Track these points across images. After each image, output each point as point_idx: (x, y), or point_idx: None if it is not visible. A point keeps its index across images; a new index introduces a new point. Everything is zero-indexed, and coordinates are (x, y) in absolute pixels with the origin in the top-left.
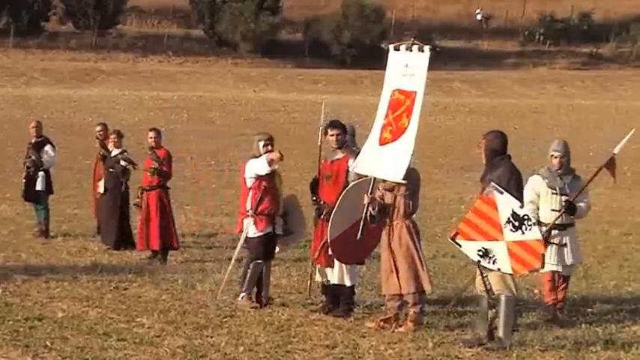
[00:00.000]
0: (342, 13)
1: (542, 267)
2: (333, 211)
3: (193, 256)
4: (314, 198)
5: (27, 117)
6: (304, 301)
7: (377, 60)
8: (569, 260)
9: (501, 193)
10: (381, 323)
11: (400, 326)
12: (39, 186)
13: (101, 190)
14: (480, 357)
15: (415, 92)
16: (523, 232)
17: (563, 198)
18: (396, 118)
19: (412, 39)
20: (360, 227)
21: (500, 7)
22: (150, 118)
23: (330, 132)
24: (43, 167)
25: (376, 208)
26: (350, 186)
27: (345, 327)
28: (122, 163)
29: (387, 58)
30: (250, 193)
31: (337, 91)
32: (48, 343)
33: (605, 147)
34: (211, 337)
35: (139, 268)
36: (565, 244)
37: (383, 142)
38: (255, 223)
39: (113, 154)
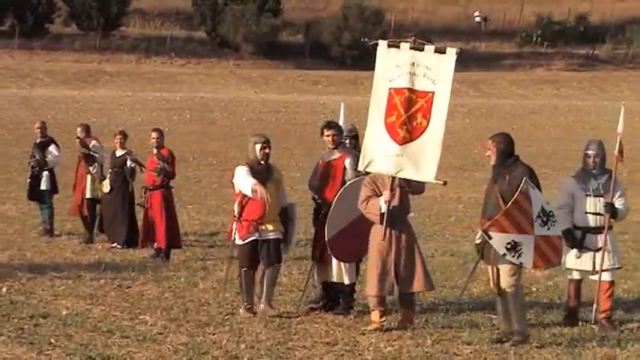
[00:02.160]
0: (342, 15)
1: (559, 264)
2: (330, 211)
3: (195, 255)
4: (313, 197)
5: (31, 118)
6: (305, 298)
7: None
8: (604, 264)
9: (533, 188)
10: (384, 323)
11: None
12: (43, 185)
13: (106, 189)
14: (478, 354)
15: (432, 92)
16: (549, 228)
17: (600, 200)
18: (411, 117)
19: (413, 37)
20: (388, 220)
21: (498, 9)
22: (153, 119)
23: (326, 132)
24: (48, 167)
25: (391, 207)
26: (347, 185)
27: (345, 324)
28: (130, 164)
29: (375, 53)
30: (238, 198)
31: (337, 92)
32: (52, 340)
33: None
34: (213, 335)
35: (142, 266)
36: (600, 249)
37: (402, 141)
38: (238, 229)
39: (119, 154)
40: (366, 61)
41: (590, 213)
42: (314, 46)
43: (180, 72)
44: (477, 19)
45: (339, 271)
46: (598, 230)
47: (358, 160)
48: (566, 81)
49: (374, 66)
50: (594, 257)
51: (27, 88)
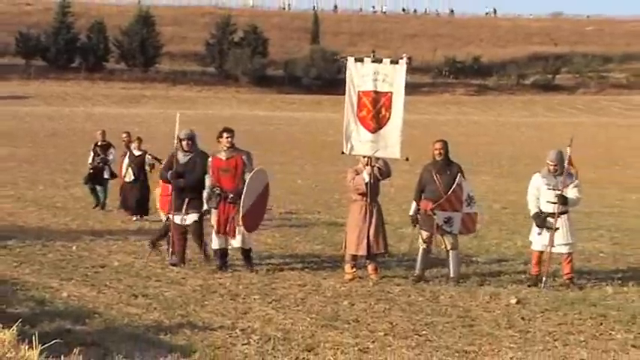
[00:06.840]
0: (310, 56)
1: (475, 231)
2: (243, 195)
3: (208, 225)
4: (214, 187)
5: (93, 128)
6: (283, 254)
7: (334, 89)
8: (561, 240)
9: (464, 180)
10: (356, 273)
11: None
12: (105, 175)
13: (129, 178)
14: (405, 291)
15: (391, 92)
16: (471, 207)
17: (557, 192)
18: (377, 111)
19: (373, 53)
20: (369, 194)
21: (418, 53)
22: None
23: (225, 135)
24: (108, 162)
25: (372, 180)
26: (251, 175)
27: (312, 272)
28: (149, 161)
29: (345, 68)
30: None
31: (307, 110)
32: (107, 283)
33: (488, 148)
34: (220, 279)
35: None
36: (557, 229)
37: (374, 130)
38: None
39: (137, 153)
40: (327, 88)
41: (550, 202)
42: (290, 78)
43: (197, 96)
44: (404, 59)
45: (243, 239)
46: (555, 215)
47: (250, 157)
48: (465, 103)
49: (332, 92)
50: (551, 235)
51: (90, 107)
